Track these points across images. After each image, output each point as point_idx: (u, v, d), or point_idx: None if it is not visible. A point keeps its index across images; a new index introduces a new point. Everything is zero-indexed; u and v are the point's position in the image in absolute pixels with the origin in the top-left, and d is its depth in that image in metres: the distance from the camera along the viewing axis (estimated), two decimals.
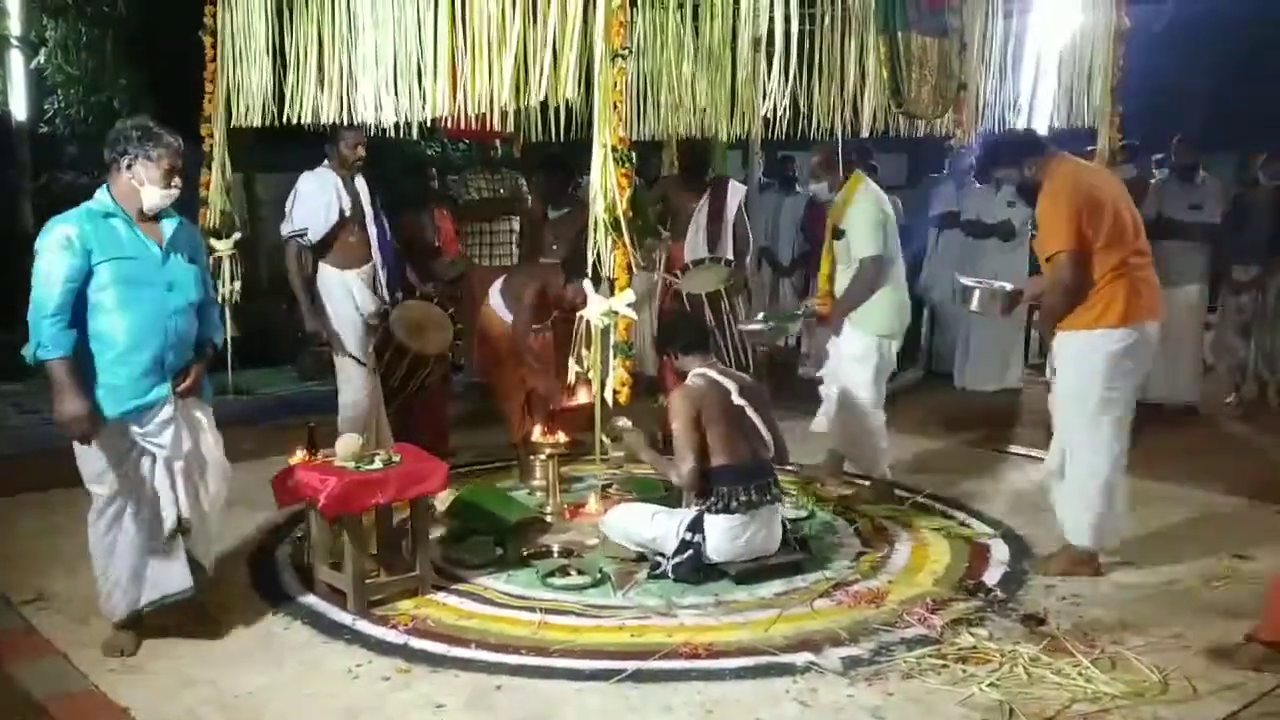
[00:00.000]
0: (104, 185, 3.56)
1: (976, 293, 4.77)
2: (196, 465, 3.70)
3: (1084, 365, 4.19)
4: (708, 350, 4.60)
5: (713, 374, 4.40)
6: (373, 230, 5.40)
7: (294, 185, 5.35)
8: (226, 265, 6.09)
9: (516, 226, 7.37)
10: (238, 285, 6.19)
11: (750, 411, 4.34)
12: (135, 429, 3.56)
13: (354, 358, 5.32)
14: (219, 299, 6.13)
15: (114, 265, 3.47)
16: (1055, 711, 3.24)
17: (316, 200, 5.22)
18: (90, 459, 3.55)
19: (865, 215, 5.09)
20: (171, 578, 3.67)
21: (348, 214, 5.28)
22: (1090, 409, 4.20)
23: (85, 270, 3.43)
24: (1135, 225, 4.23)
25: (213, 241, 6.02)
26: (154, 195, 3.53)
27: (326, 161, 5.33)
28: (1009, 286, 4.81)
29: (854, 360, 5.20)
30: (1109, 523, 4.31)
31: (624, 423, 4.54)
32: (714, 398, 4.30)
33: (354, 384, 5.34)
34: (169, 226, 3.61)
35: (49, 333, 3.40)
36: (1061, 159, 4.29)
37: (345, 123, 4.97)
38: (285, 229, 5.32)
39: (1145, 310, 4.18)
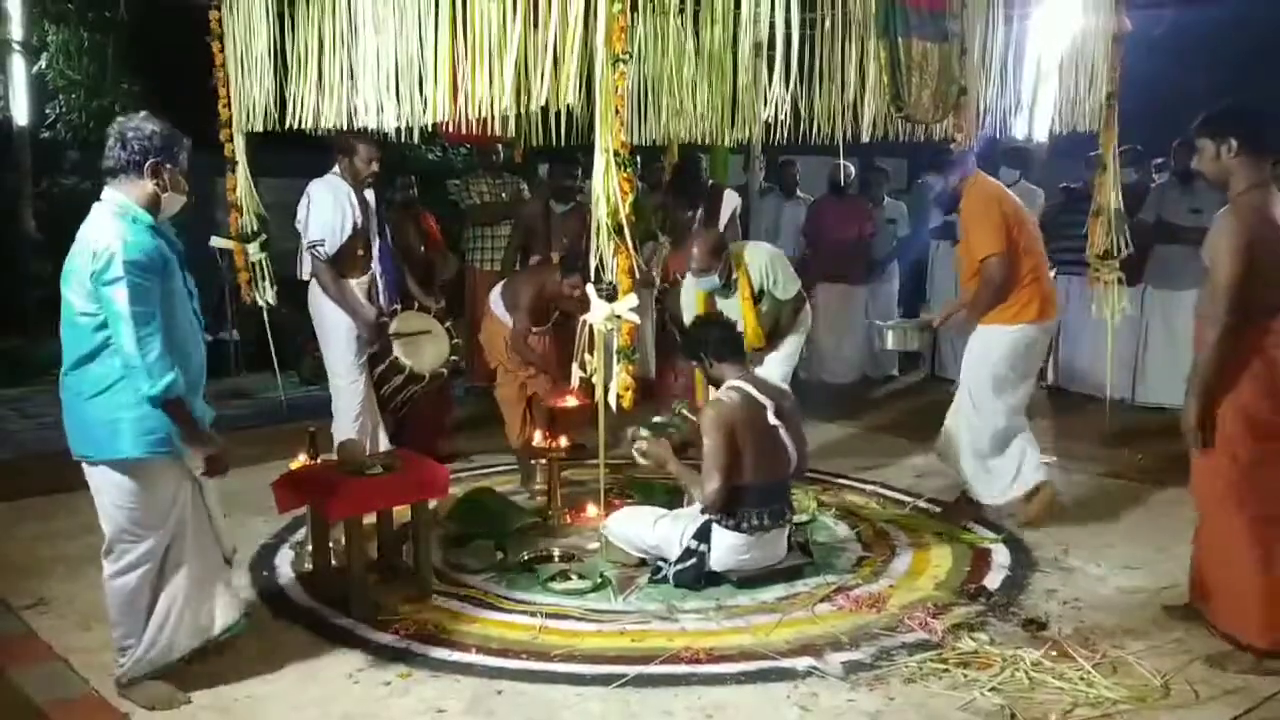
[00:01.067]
0: (117, 190, 3.25)
1: (890, 333, 5.38)
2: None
3: (1000, 353, 4.85)
4: (743, 358, 4.50)
5: (748, 388, 4.26)
6: (375, 240, 5.38)
7: (296, 191, 5.32)
8: (258, 268, 6.06)
9: None
10: (274, 288, 6.13)
11: (783, 432, 4.24)
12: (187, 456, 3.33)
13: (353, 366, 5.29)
14: (259, 301, 6.14)
15: (170, 281, 3.26)
16: (1057, 716, 3.24)
17: (331, 212, 5.11)
18: (148, 504, 3.28)
19: (780, 266, 5.34)
20: (230, 611, 3.54)
21: (359, 227, 5.23)
22: (1005, 388, 4.90)
23: (162, 290, 3.19)
24: (1039, 237, 5.00)
25: (246, 246, 6.00)
26: (176, 201, 3.33)
27: (337, 169, 5.26)
28: (921, 319, 5.27)
29: (776, 362, 5.46)
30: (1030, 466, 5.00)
31: (645, 432, 4.49)
32: (749, 416, 4.17)
33: (346, 392, 5.28)
34: (171, 234, 3.39)
35: (172, 369, 3.13)
36: (982, 176, 4.92)
37: (345, 127, 4.95)
38: (305, 239, 5.22)
39: (1052, 309, 4.95)
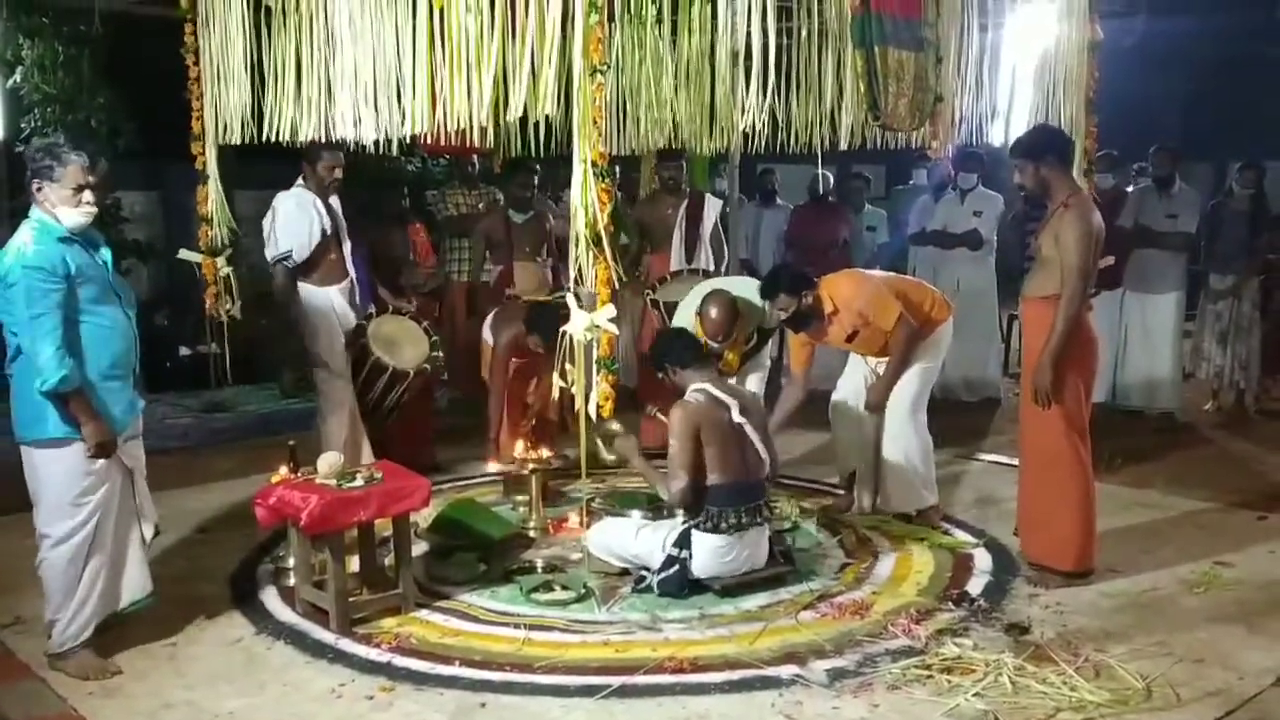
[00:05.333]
0: (36, 207, 3.54)
1: None
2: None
3: (924, 364, 5.06)
4: (706, 364, 4.54)
5: (713, 389, 4.29)
6: (347, 246, 5.41)
7: (269, 203, 5.32)
8: (225, 283, 6.02)
9: None
10: (237, 303, 6.09)
11: (749, 430, 4.27)
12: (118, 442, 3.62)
13: (339, 373, 5.30)
14: (221, 316, 6.10)
15: (87, 285, 3.52)
16: None
17: (299, 222, 5.18)
18: (75, 481, 3.56)
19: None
20: (140, 583, 3.82)
21: (328, 233, 5.26)
22: (925, 396, 5.14)
23: (69, 292, 3.45)
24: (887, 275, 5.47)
25: (215, 259, 5.96)
26: (69, 215, 3.51)
27: (302, 180, 5.31)
28: None
29: (755, 381, 5.76)
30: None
31: (616, 427, 4.48)
32: (714, 415, 4.20)
33: (335, 401, 5.30)
34: (99, 242, 3.69)
35: (67, 364, 3.41)
36: (828, 279, 5.08)
37: (324, 140, 4.94)
38: (270, 252, 5.25)
39: (945, 308, 5.16)
